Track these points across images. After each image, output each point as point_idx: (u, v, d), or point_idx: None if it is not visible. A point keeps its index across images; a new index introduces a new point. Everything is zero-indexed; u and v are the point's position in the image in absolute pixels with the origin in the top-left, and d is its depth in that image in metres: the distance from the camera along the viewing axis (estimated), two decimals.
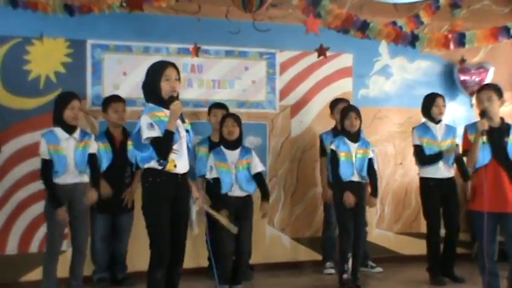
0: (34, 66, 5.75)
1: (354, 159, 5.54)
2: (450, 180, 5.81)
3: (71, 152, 4.90)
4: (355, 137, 5.59)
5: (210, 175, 5.38)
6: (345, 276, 5.56)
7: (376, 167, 5.83)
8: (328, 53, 5.85)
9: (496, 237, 4.69)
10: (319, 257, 6.44)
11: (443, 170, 5.76)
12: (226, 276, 5.26)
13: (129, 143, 5.39)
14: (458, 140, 5.57)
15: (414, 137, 5.84)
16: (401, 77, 6.96)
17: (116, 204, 5.52)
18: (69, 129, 4.91)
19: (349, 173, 5.53)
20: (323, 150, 6.15)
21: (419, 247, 6.16)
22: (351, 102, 6.18)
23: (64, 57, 5.85)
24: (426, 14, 6.10)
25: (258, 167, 5.49)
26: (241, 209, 5.34)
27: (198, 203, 4.40)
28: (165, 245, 4.13)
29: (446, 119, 5.96)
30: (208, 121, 5.94)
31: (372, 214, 6.65)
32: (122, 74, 6.02)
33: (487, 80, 6.81)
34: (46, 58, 5.77)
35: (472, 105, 6.93)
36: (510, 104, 6.81)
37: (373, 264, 6.34)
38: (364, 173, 5.59)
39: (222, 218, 5.07)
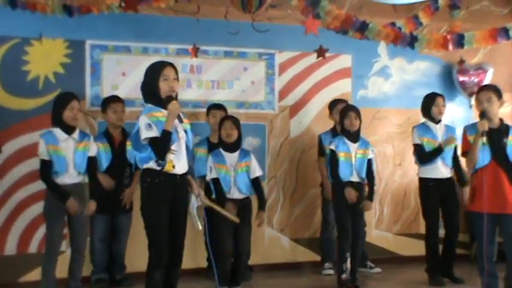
0: (33, 66, 5.75)
1: (353, 159, 5.54)
2: (449, 180, 5.81)
3: (70, 153, 4.89)
4: (355, 137, 5.59)
5: (210, 175, 5.38)
6: (343, 276, 5.56)
7: (375, 168, 5.82)
8: (327, 54, 5.87)
9: (495, 238, 4.69)
10: (318, 258, 6.44)
11: (442, 170, 5.76)
12: (225, 277, 5.25)
13: (128, 144, 5.40)
14: (458, 141, 5.58)
15: (414, 136, 5.84)
16: (400, 78, 6.97)
17: (114, 204, 5.51)
18: (68, 129, 4.90)
19: (348, 173, 5.53)
20: (321, 151, 6.15)
21: (418, 248, 6.16)
22: (350, 103, 6.17)
23: (63, 57, 5.85)
24: (425, 14, 6.10)
25: (256, 171, 5.48)
26: (239, 211, 5.33)
27: (200, 199, 4.41)
28: (164, 246, 4.13)
29: (445, 119, 5.95)
30: (207, 122, 5.94)
31: (370, 215, 6.64)
32: (121, 74, 6.02)
33: (486, 81, 6.81)
34: (45, 59, 5.77)
35: (471, 106, 6.94)
36: (509, 105, 6.82)
37: (371, 265, 6.34)
38: (363, 173, 5.59)
39: (224, 210, 5.06)
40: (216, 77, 6.33)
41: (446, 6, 6.12)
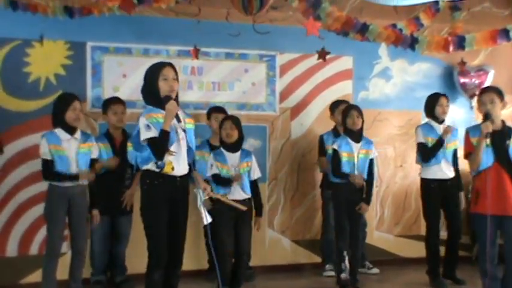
0: (34, 68, 5.75)
1: (355, 159, 5.54)
2: (451, 181, 5.79)
3: (73, 153, 4.89)
4: (358, 136, 5.59)
5: (210, 172, 5.36)
6: (343, 275, 5.57)
7: (376, 168, 5.82)
8: (328, 56, 5.87)
9: (497, 240, 4.68)
10: (319, 260, 6.44)
11: (445, 171, 5.75)
12: (226, 277, 5.24)
13: (129, 145, 5.40)
14: (460, 142, 5.58)
15: (418, 135, 5.82)
16: (402, 80, 6.96)
17: (115, 206, 5.51)
18: (70, 130, 4.90)
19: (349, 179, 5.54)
20: (322, 151, 6.15)
21: (419, 250, 6.15)
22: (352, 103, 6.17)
23: (64, 59, 5.86)
24: (426, 16, 6.11)
25: (256, 172, 5.45)
26: (240, 211, 5.31)
27: (206, 192, 4.41)
28: (163, 247, 4.14)
29: (446, 120, 5.94)
30: (208, 125, 5.93)
31: (371, 216, 6.66)
32: (122, 76, 6.02)
33: (487, 83, 6.81)
34: (46, 60, 5.77)
35: (471, 108, 6.94)
36: (511, 107, 6.82)
37: (370, 265, 6.34)
38: (365, 174, 5.59)
39: (231, 201, 5.07)
40: (217, 78, 6.33)
41: (447, 7, 6.13)
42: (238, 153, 5.38)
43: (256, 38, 6.18)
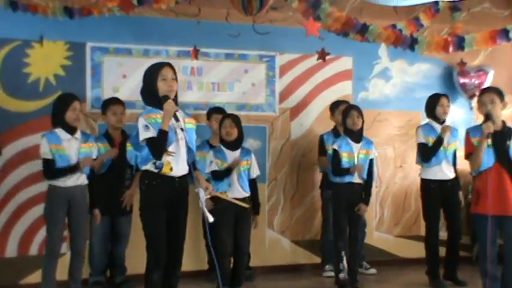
0: (34, 69, 5.75)
1: (356, 160, 5.54)
2: (451, 182, 5.79)
3: (74, 153, 4.88)
4: (358, 136, 5.59)
5: (209, 169, 5.35)
6: (341, 275, 5.58)
7: (375, 169, 5.83)
8: (327, 56, 5.87)
9: (497, 240, 4.69)
10: (318, 260, 6.43)
11: (445, 171, 5.75)
12: (225, 277, 5.24)
13: (128, 145, 5.41)
14: (460, 143, 5.58)
15: (419, 135, 5.81)
16: (401, 80, 6.96)
17: (114, 206, 5.50)
18: (71, 130, 4.90)
19: (350, 174, 5.54)
20: (322, 150, 6.15)
21: (418, 250, 6.15)
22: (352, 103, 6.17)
23: (64, 59, 5.85)
24: (426, 16, 6.11)
25: (255, 171, 5.47)
26: (240, 210, 5.32)
27: (208, 191, 4.42)
28: (161, 247, 4.15)
29: (447, 121, 5.94)
30: (208, 126, 5.93)
31: (371, 217, 6.66)
32: (122, 76, 6.02)
33: (487, 83, 6.81)
34: (46, 61, 5.77)
35: (471, 108, 6.94)
36: (511, 107, 6.82)
37: (367, 265, 6.34)
38: (365, 174, 5.59)
39: (233, 199, 5.06)
40: (216, 79, 6.33)
41: (447, 8, 6.13)
42: (238, 151, 5.39)
43: (256, 39, 6.18)
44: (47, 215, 4.94)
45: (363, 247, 6.20)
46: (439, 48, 5.39)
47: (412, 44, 5.34)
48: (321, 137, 6.23)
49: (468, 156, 4.71)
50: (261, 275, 6.12)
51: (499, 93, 4.69)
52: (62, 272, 4.99)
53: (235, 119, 5.39)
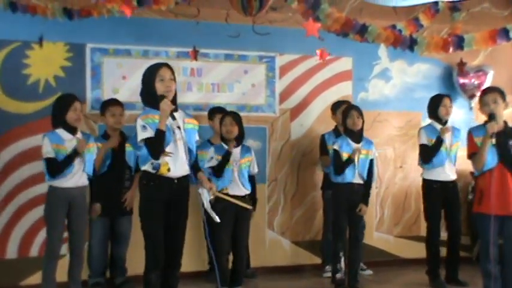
0: (33, 70, 5.75)
1: (356, 160, 5.53)
2: (453, 183, 5.80)
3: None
4: (358, 136, 5.59)
5: (208, 164, 5.34)
6: (338, 275, 5.58)
7: (375, 169, 5.83)
8: (327, 57, 5.86)
9: (498, 240, 4.68)
10: (319, 261, 6.44)
11: (448, 172, 5.75)
12: (225, 277, 5.25)
13: (127, 146, 5.44)
14: (461, 143, 5.57)
15: (422, 137, 5.81)
16: (401, 80, 6.96)
17: (114, 207, 5.50)
18: (72, 130, 4.91)
19: (351, 175, 5.53)
20: (324, 150, 6.15)
21: (418, 250, 6.16)
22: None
23: (63, 61, 5.85)
24: (426, 17, 6.10)
25: (255, 168, 5.52)
26: (240, 210, 5.32)
27: (212, 192, 4.44)
28: (159, 248, 4.16)
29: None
30: (210, 125, 5.93)
31: (371, 217, 6.66)
32: (122, 77, 6.02)
33: (486, 83, 6.80)
34: (45, 62, 5.77)
35: (471, 108, 6.94)
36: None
37: (363, 267, 6.31)
38: (365, 174, 5.59)
39: (235, 199, 5.06)
40: (216, 80, 6.33)
41: (446, 8, 6.12)
42: (238, 149, 5.40)
43: (255, 39, 6.18)
44: (47, 217, 4.94)
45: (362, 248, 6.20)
46: (438, 48, 5.38)
47: (411, 44, 5.33)
48: (322, 137, 6.24)
49: (471, 156, 4.71)
50: (262, 276, 6.13)
51: (501, 93, 4.69)
52: (61, 274, 4.99)
53: (236, 117, 5.41)
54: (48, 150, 4.82)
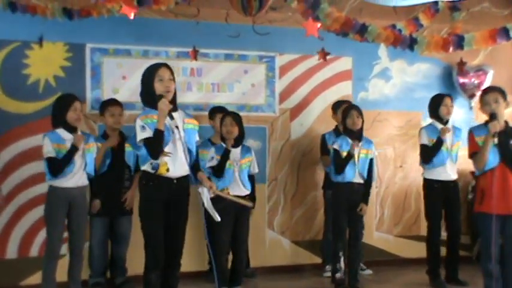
0: (33, 70, 5.75)
1: (356, 159, 5.53)
2: (454, 182, 5.80)
3: (78, 153, 4.89)
4: (358, 136, 5.59)
5: (209, 164, 5.34)
6: (338, 275, 5.58)
7: (375, 169, 5.82)
8: (327, 56, 5.87)
9: (499, 239, 4.68)
10: (319, 260, 6.44)
11: (449, 172, 5.75)
12: (224, 277, 5.25)
13: (127, 146, 5.44)
14: (462, 143, 5.57)
15: (422, 137, 5.80)
16: (401, 80, 6.96)
17: (114, 206, 5.51)
18: (72, 130, 4.91)
19: (351, 174, 5.53)
20: (325, 149, 6.15)
21: (419, 250, 6.16)
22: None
23: (63, 61, 5.85)
24: (426, 16, 6.10)
25: (255, 167, 5.53)
26: (240, 208, 5.31)
27: (212, 191, 4.42)
28: (159, 248, 4.16)
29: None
30: (211, 125, 5.92)
31: (371, 217, 6.66)
32: (121, 77, 6.02)
33: (486, 83, 6.80)
34: (45, 62, 5.77)
35: (471, 108, 6.94)
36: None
37: (363, 267, 6.31)
38: (365, 174, 5.59)
39: (236, 198, 5.07)
40: (216, 79, 6.33)
41: (446, 8, 6.12)
42: (239, 149, 5.40)
43: (255, 39, 6.18)
44: (47, 216, 4.94)
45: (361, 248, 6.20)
46: (438, 48, 5.38)
47: (411, 44, 5.33)
48: (323, 136, 6.24)
49: (472, 155, 4.70)
50: (261, 276, 6.13)
51: (502, 93, 4.70)
52: (61, 274, 4.99)
53: (236, 118, 5.42)
54: (49, 150, 4.82)
